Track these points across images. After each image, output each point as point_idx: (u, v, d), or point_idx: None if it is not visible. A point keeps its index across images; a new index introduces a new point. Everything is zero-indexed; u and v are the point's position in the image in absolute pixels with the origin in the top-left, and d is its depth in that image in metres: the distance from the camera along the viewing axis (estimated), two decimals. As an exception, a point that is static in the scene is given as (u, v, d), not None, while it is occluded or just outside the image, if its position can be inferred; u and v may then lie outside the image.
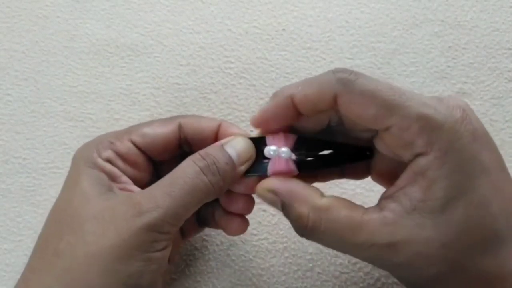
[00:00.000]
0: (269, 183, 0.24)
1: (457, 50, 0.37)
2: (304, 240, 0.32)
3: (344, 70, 0.23)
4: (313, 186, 0.24)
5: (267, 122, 0.25)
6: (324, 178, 0.28)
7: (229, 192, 0.27)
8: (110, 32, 0.39)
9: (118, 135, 0.27)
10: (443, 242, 0.21)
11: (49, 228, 0.25)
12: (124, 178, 0.26)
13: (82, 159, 0.26)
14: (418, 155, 0.21)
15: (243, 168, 0.25)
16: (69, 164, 0.30)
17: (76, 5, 0.40)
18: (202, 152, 0.25)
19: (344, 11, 0.39)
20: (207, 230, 0.33)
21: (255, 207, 0.33)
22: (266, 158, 0.25)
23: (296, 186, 0.24)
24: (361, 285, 0.31)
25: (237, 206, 0.27)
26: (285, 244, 0.32)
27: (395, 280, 0.31)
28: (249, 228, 0.33)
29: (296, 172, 0.25)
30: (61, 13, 0.40)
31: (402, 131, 0.21)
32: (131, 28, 0.39)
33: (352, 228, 0.22)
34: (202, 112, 0.36)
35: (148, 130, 0.27)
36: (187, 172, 0.24)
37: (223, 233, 0.33)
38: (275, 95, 0.24)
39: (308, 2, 0.39)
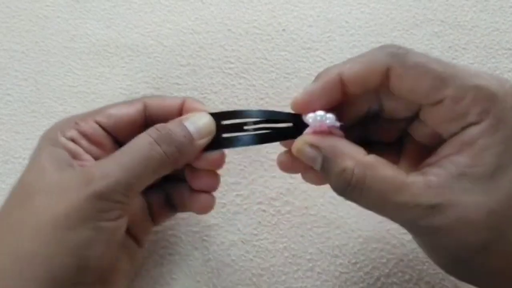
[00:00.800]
0: (311, 138, 0.24)
1: (457, 50, 0.37)
2: (304, 240, 0.32)
3: (392, 46, 0.23)
4: (356, 144, 0.24)
5: (310, 105, 0.24)
6: None
7: (193, 169, 0.27)
8: (110, 32, 0.39)
9: (84, 116, 0.27)
10: (491, 208, 0.21)
11: (5, 203, 0.25)
12: (87, 157, 0.26)
13: (46, 138, 0.26)
14: (468, 125, 0.21)
15: (202, 142, 0.25)
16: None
17: (76, 5, 0.40)
18: (158, 125, 0.25)
19: (344, 11, 0.39)
20: (206, 230, 0.33)
21: (255, 207, 0.33)
22: (224, 136, 0.26)
23: (340, 142, 0.23)
24: (361, 285, 0.31)
25: (201, 182, 0.28)
26: (285, 244, 0.32)
27: (395, 280, 0.31)
28: (249, 228, 0.33)
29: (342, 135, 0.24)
30: (61, 13, 0.40)
31: (456, 102, 0.21)
32: (131, 28, 0.39)
33: (396, 187, 0.22)
34: (202, 112, 0.36)
35: (113, 111, 0.27)
36: (140, 143, 0.24)
37: (223, 233, 0.33)
38: (319, 76, 0.24)
39: (308, 2, 0.39)
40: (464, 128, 0.22)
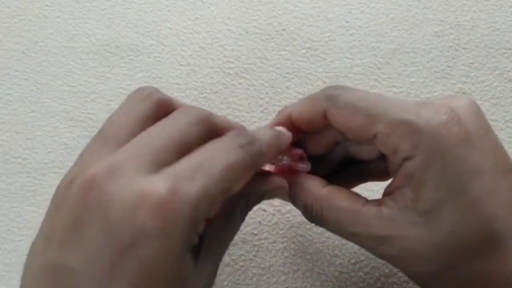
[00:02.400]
0: (276, 180, 0.25)
1: (457, 50, 0.37)
2: (304, 240, 0.32)
3: (333, 87, 0.24)
4: (316, 177, 0.25)
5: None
6: (347, 184, 0.28)
7: None
8: (110, 32, 0.39)
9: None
10: (434, 242, 0.21)
11: None
12: None
13: None
14: (405, 159, 0.22)
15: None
16: (69, 164, 0.30)
17: (76, 5, 0.40)
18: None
19: (344, 11, 0.39)
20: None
21: (255, 207, 0.33)
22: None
23: (300, 179, 0.25)
24: (361, 285, 0.31)
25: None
26: (285, 244, 0.32)
27: (395, 280, 0.31)
28: (249, 228, 0.33)
29: (307, 168, 0.26)
30: (61, 13, 0.40)
31: (387, 138, 0.22)
32: (131, 28, 0.39)
33: (350, 218, 0.23)
34: (202, 112, 0.36)
35: None
36: (226, 146, 0.22)
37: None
38: (278, 114, 0.26)
39: (308, 2, 0.39)
40: (404, 160, 0.22)
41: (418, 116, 0.21)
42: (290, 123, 0.25)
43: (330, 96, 0.24)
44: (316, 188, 0.25)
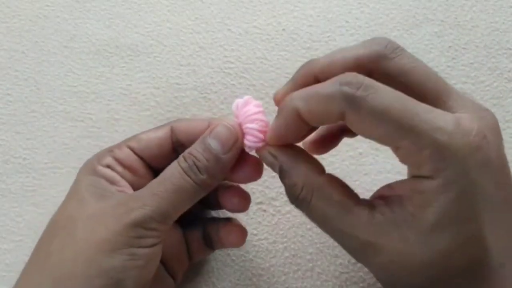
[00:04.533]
0: (272, 147, 0.24)
1: (457, 50, 0.37)
2: (304, 240, 0.32)
3: (351, 82, 0.20)
4: (316, 160, 0.24)
5: (284, 138, 0.24)
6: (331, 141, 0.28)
7: (222, 190, 0.28)
8: (110, 32, 0.39)
9: (117, 144, 0.28)
10: (426, 260, 0.21)
11: (44, 234, 0.26)
12: (123, 183, 0.27)
13: (83, 169, 0.27)
14: (424, 177, 0.21)
15: (230, 155, 0.25)
16: (69, 164, 0.31)
17: (76, 5, 0.40)
18: (185, 152, 0.25)
19: (344, 11, 0.39)
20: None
21: (255, 207, 0.33)
22: None
23: (298, 157, 0.24)
24: (361, 285, 0.31)
25: (232, 201, 0.28)
26: (285, 244, 0.32)
27: (395, 280, 0.31)
28: (249, 228, 0.33)
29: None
30: (61, 13, 0.40)
31: (410, 155, 0.21)
32: (131, 28, 0.39)
33: (340, 214, 0.22)
34: (202, 112, 0.36)
35: (142, 136, 0.28)
36: (172, 174, 0.25)
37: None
38: (280, 110, 0.23)
39: (308, 2, 0.39)
40: (417, 176, 0.21)
41: (450, 138, 0.20)
42: (299, 119, 0.23)
43: (351, 98, 0.20)
44: (312, 172, 0.23)
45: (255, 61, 0.38)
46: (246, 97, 0.26)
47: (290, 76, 0.37)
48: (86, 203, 0.25)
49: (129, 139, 0.28)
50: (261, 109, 0.26)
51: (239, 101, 0.26)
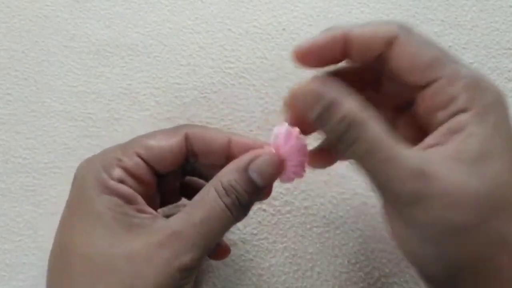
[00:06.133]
0: (314, 82, 0.23)
1: (457, 50, 0.37)
2: (304, 240, 0.32)
3: (400, 21, 0.23)
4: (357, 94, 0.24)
5: (310, 56, 0.24)
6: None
7: None
8: (110, 32, 0.39)
9: (123, 149, 0.26)
10: (478, 191, 0.20)
11: (76, 265, 0.24)
12: (139, 199, 0.25)
13: (91, 181, 0.25)
14: (457, 112, 0.21)
15: (267, 189, 0.25)
16: (69, 164, 0.30)
17: (76, 5, 0.40)
18: (224, 182, 0.24)
19: (344, 11, 0.39)
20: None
21: (255, 207, 0.33)
22: None
23: (344, 92, 0.23)
24: (361, 285, 0.31)
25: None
26: (285, 244, 0.32)
27: (396, 280, 0.31)
28: (249, 228, 0.33)
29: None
30: (61, 12, 0.40)
31: (450, 84, 0.22)
32: (131, 28, 0.39)
33: (390, 143, 0.21)
34: (202, 112, 0.36)
35: (153, 143, 0.26)
36: (214, 210, 0.24)
37: (223, 233, 0.33)
38: (327, 29, 0.23)
39: (308, 2, 0.39)
40: (451, 117, 0.22)
41: (482, 77, 0.22)
42: (342, 43, 0.23)
43: (404, 26, 0.23)
44: (360, 104, 0.22)
45: (255, 61, 0.38)
46: (287, 127, 0.24)
47: (290, 76, 0.37)
48: (117, 235, 0.23)
49: (136, 144, 0.26)
50: (305, 143, 0.25)
51: (280, 131, 0.24)
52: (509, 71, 0.37)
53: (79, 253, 0.24)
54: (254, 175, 0.24)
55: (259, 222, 0.33)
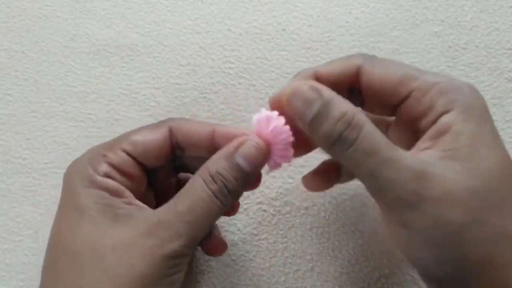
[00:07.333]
0: (312, 81, 0.24)
1: (457, 50, 0.37)
2: (304, 240, 0.32)
3: (363, 53, 0.25)
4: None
5: (280, 103, 0.25)
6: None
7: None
8: (110, 32, 0.39)
9: (109, 146, 0.26)
10: (473, 187, 0.21)
11: (62, 259, 0.24)
12: (127, 193, 0.25)
13: (78, 177, 0.25)
14: (442, 113, 0.22)
15: (254, 175, 0.25)
16: (69, 164, 0.30)
17: (76, 5, 0.40)
18: (211, 170, 0.24)
19: (344, 11, 0.39)
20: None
21: (255, 207, 0.33)
22: None
23: (339, 96, 0.23)
24: (361, 285, 0.31)
25: (210, 250, 0.29)
26: (285, 244, 0.32)
27: (396, 280, 0.31)
28: (249, 228, 0.33)
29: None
30: (61, 13, 0.40)
31: (423, 94, 0.23)
32: (131, 28, 0.39)
33: (388, 144, 0.22)
34: (202, 112, 0.36)
35: (138, 138, 0.26)
36: (201, 197, 0.24)
37: (223, 233, 0.33)
38: (297, 74, 0.26)
39: (308, 2, 0.39)
40: (434, 122, 0.23)
41: (450, 80, 0.23)
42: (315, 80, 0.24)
43: (366, 55, 0.25)
44: (357, 108, 0.23)
45: (255, 61, 0.38)
46: (266, 112, 0.25)
47: (290, 76, 0.37)
48: (102, 226, 0.23)
49: (121, 140, 0.26)
50: (287, 125, 0.24)
51: (260, 117, 0.25)
52: (509, 71, 0.37)
53: (65, 248, 0.24)
54: (240, 161, 0.24)
55: (259, 222, 0.33)
